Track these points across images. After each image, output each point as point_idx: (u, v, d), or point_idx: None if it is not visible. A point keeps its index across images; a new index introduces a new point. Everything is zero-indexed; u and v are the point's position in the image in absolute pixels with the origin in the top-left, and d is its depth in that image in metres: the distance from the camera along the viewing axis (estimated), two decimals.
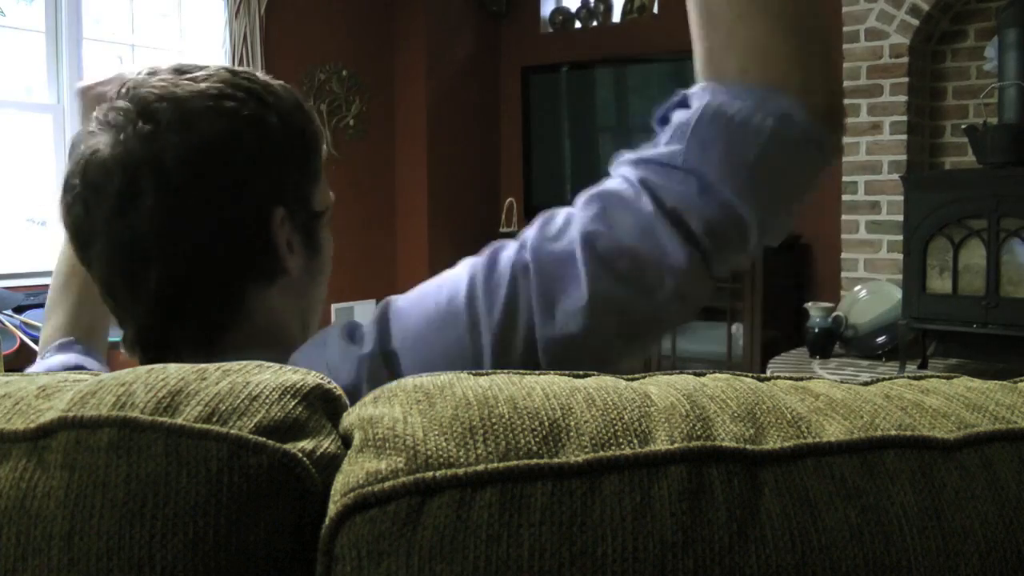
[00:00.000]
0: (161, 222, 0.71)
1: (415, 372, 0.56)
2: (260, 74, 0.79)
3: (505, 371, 0.54)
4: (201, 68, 0.76)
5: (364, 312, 5.15)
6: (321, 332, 0.77)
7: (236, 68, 0.78)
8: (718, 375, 0.55)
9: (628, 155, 0.72)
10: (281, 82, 0.80)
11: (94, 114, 0.75)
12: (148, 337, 0.76)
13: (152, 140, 0.70)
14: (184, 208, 0.71)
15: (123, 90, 0.74)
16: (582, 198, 0.71)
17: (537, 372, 0.54)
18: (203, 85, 0.73)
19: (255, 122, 0.74)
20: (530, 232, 0.72)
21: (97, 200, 0.72)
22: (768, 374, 0.57)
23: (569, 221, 0.70)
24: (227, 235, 0.73)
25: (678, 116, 0.69)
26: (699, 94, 0.69)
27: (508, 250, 0.72)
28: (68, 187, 0.74)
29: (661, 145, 0.69)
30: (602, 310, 0.68)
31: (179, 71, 0.76)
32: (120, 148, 0.71)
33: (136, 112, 0.72)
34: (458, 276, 0.73)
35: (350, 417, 0.51)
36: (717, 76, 0.68)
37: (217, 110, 0.72)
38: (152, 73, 0.75)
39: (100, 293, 0.77)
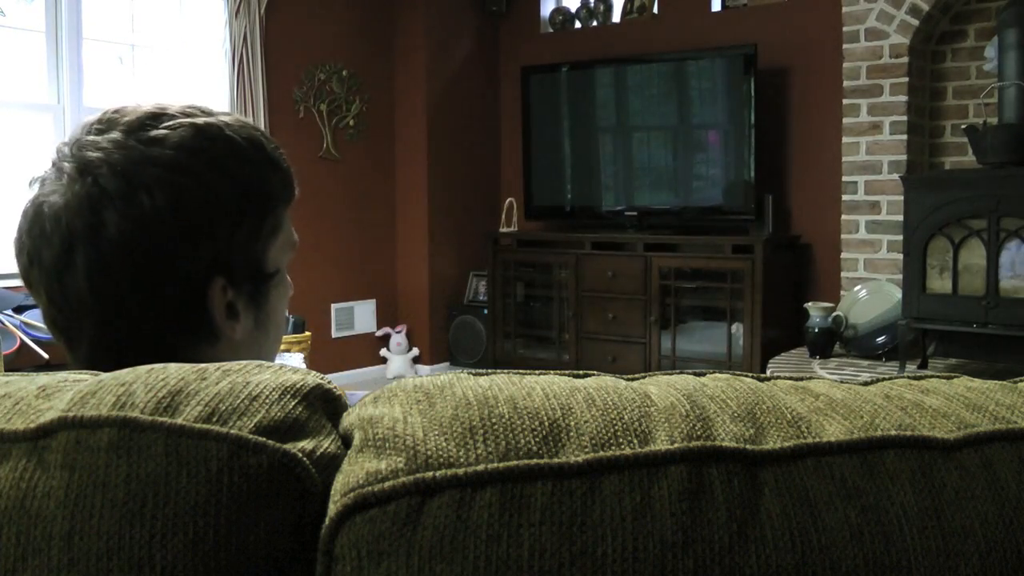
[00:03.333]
0: (93, 291, 0.72)
1: None
2: (228, 119, 0.76)
3: (505, 371, 0.54)
4: (168, 119, 0.74)
5: (364, 312, 5.15)
6: None
7: (205, 123, 0.75)
8: (718, 375, 0.55)
9: None
10: (250, 130, 0.77)
11: (55, 152, 0.75)
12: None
13: (92, 210, 0.71)
14: (115, 281, 0.71)
15: (75, 143, 0.74)
16: None
17: (537, 372, 0.54)
18: (155, 151, 0.72)
19: (204, 193, 0.72)
20: None
21: (38, 257, 0.74)
22: (768, 374, 0.57)
23: None
24: (158, 306, 0.73)
25: None
26: None
27: None
28: (18, 231, 0.76)
29: None
30: None
31: (140, 127, 0.73)
32: (62, 208, 0.72)
33: (80, 173, 0.72)
34: None
35: (350, 417, 0.51)
36: None
37: (165, 182, 0.71)
38: (110, 125, 0.74)
39: (47, 327, 0.78)
